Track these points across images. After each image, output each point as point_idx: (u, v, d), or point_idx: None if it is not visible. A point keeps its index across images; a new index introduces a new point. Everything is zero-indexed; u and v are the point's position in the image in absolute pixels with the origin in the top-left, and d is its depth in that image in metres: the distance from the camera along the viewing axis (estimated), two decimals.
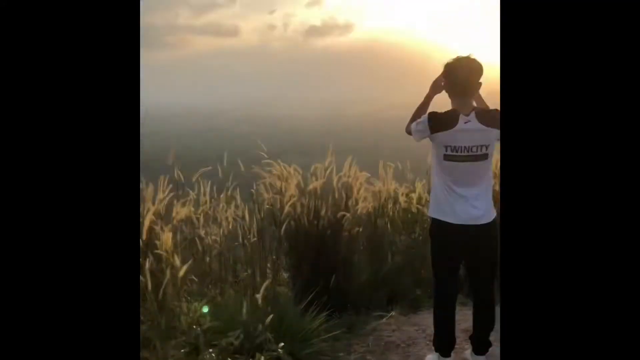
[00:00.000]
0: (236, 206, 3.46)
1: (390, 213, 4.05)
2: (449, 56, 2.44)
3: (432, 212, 2.49)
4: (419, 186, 4.22)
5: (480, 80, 2.40)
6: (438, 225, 2.45)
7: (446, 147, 2.35)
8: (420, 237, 4.07)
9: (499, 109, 2.11)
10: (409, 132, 2.52)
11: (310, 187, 3.39)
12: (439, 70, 2.47)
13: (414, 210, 4.12)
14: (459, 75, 2.36)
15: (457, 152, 2.33)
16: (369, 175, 3.71)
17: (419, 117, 2.45)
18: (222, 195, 3.47)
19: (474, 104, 2.47)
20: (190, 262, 2.78)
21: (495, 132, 2.34)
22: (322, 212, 3.37)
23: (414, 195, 4.17)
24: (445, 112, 2.38)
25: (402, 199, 4.17)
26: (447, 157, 2.36)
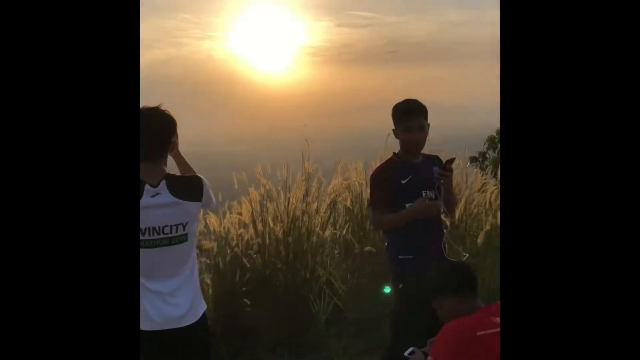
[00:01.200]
0: None
1: None
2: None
3: None
4: None
5: (174, 139, 1.85)
6: None
7: None
8: None
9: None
10: None
11: None
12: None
13: None
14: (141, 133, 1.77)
15: (144, 235, 1.74)
16: None
17: None
18: None
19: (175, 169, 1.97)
20: None
21: (196, 205, 1.84)
22: None
23: None
24: None
25: None
26: None
